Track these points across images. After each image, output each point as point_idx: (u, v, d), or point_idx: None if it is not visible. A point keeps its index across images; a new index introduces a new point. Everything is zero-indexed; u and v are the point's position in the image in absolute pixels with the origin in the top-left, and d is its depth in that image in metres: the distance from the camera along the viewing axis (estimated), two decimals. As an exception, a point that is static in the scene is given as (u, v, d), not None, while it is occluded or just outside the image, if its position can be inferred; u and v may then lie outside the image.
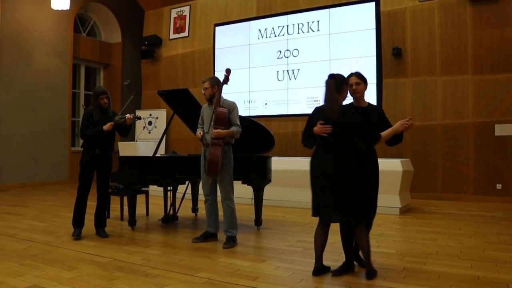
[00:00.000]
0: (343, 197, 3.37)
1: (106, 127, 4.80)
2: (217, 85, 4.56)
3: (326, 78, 3.54)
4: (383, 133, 3.53)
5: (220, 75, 5.23)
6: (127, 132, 5.10)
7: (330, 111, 3.44)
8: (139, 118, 5.46)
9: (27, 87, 9.96)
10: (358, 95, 3.66)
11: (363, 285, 3.29)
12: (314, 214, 3.55)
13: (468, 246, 4.49)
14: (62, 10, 10.17)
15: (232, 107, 4.57)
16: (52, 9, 10.06)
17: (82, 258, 4.04)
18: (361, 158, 3.47)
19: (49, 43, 10.44)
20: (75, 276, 3.49)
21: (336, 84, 3.48)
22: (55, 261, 3.94)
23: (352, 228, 3.51)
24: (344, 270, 3.55)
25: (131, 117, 4.98)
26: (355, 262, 3.70)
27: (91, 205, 5.06)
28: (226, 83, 4.52)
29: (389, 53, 8.48)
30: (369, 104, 3.71)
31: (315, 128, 3.45)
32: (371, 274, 3.42)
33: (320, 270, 3.52)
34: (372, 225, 3.68)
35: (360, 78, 3.71)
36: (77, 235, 4.82)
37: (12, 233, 5.11)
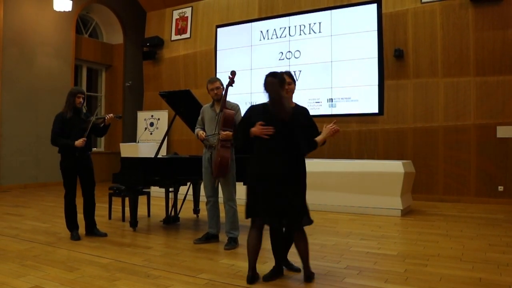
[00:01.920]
0: (286, 201, 3.23)
1: (79, 143, 4.74)
2: (223, 85, 4.61)
3: (265, 77, 3.36)
4: (317, 139, 3.44)
5: (222, 76, 5.24)
6: (104, 133, 5.09)
7: (281, 111, 3.25)
8: (120, 117, 5.45)
9: (29, 88, 9.98)
10: (291, 95, 3.56)
11: (363, 287, 3.29)
12: (248, 216, 3.41)
13: (469, 248, 4.48)
14: (64, 11, 10.21)
15: (236, 109, 4.59)
16: (54, 11, 10.09)
17: (84, 259, 4.05)
18: (300, 161, 3.38)
19: (51, 44, 10.47)
20: (76, 277, 3.49)
21: (280, 83, 3.32)
22: (56, 262, 3.94)
23: (281, 232, 3.46)
24: (274, 274, 3.45)
25: (111, 116, 4.97)
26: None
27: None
28: (232, 85, 4.53)
29: (391, 55, 8.47)
30: (296, 105, 3.56)
31: (254, 129, 3.29)
32: (310, 277, 3.38)
33: (255, 277, 3.37)
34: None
35: (291, 78, 3.62)
36: (76, 237, 4.85)
37: (14, 233, 5.12)
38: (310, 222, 3.37)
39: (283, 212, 3.25)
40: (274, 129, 3.24)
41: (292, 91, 3.57)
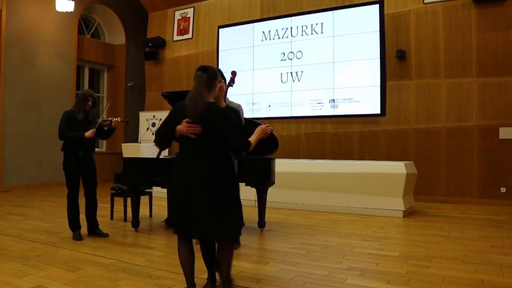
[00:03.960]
0: (202, 210, 2.84)
1: (88, 133, 4.76)
2: (224, 78, 4.53)
3: (197, 70, 3.05)
4: (250, 139, 3.08)
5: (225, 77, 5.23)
6: (109, 135, 5.10)
7: (192, 110, 2.90)
8: (127, 122, 5.45)
9: (31, 89, 10.00)
10: (221, 94, 3.43)
11: (367, 288, 3.29)
12: (175, 228, 2.99)
13: (472, 250, 4.47)
14: (66, 12, 10.22)
15: (238, 109, 4.56)
16: (57, 11, 10.11)
17: (86, 259, 4.05)
18: (225, 165, 2.98)
19: (53, 44, 10.48)
20: (79, 277, 3.49)
21: (208, 79, 2.97)
22: (59, 262, 3.95)
23: (209, 242, 3.11)
24: (211, 284, 3.18)
25: (118, 120, 4.97)
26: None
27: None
28: (232, 85, 4.51)
29: (393, 56, 8.47)
30: (227, 105, 3.40)
31: (180, 127, 2.90)
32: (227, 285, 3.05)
33: None
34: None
35: (221, 76, 3.48)
36: (78, 236, 4.87)
37: (17, 233, 5.13)
38: (233, 240, 3.03)
39: (199, 223, 2.85)
40: (201, 128, 2.88)
41: (222, 89, 3.41)
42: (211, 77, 3.00)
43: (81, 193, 4.99)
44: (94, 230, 5.05)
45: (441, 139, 8.08)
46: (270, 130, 3.22)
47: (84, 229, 5.04)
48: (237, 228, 2.96)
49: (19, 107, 9.74)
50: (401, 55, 8.33)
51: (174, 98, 5.67)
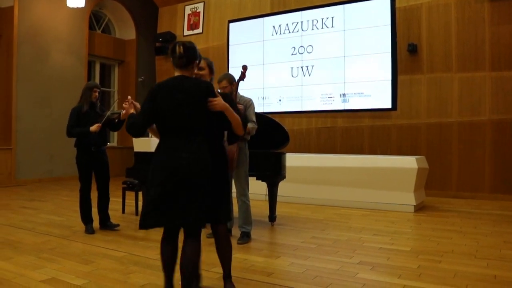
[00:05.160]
0: (199, 199, 2.63)
1: (94, 128, 4.78)
2: (234, 81, 4.50)
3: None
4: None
5: (234, 71, 5.24)
6: (119, 127, 5.09)
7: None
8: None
9: (43, 84, 10.08)
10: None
11: (376, 282, 3.28)
12: (151, 224, 2.66)
13: (484, 245, 4.44)
14: (77, 7, 10.27)
15: (249, 103, 4.56)
16: (68, 7, 10.15)
17: (99, 252, 4.09)
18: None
19: (65, 40, 10.55)
20: (91, 269, 3.53)
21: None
22: (72, 255, 4.00)
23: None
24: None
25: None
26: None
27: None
28: (243, 80, 4.50)
29: (405, 50, 8.40)
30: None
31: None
32: None
33: None
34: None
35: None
36: (90, 230, 4.92)
37: (30, 227, 5.20)
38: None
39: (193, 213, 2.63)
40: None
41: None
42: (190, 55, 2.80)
43: (94, 187, 5.04)
44: (106, 223, 5.10)
45: (453, 134, 8.00)
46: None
47: (96, 223, 5.09)
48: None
49: (32, 103, 9.83)
50: (413, 49, 8.26)
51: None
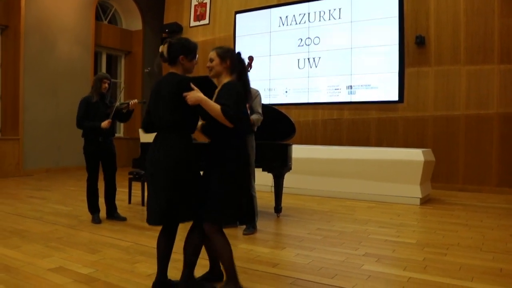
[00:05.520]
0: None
1: (105, 124, 4.80)
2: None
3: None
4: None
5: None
6: (128, 118, 5.13)
7: None
8: (144, 102, 5.51)
9: (50, 75, 10.11)
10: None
11: (381, 274, 3.29)
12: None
13: (490, 238, 4.43)
14: (84, -3, 10.27)
15: (255, 94, 4.55)
16: (75, -3, 10.17)
17: (105, 242, 4.13)
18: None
19: (71, 31, 10.56)
20: (98, 259, 3.57)
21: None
22: (79, 244, 4.03)
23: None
24: (210, 278, 3.06)
25: (135, 102, 5.00)
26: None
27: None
28: (249, 71, 4.50)
29: (412, 42, 8.33)
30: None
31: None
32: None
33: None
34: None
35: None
36: (97, 220, 4.96)
37: (38, 216, 5.25)
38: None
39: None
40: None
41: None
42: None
43: (101, 177, 5.07)
44: (113, 214, 5.14)
45: (460, 127, 7.96)
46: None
47: (103, 213, 5.13)
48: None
49: (39, 93, 9.87)
50: (421, 41, 8.19)
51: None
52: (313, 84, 9.49)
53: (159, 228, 2.84)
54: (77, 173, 9.75)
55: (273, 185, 5.40)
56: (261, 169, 5.21)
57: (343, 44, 9.12)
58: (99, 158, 4.99)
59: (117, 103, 4.95)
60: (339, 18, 9.22)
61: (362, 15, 8.94)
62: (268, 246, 4.09)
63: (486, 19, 7.73)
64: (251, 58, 4.51)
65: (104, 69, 11.90)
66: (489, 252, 3.90)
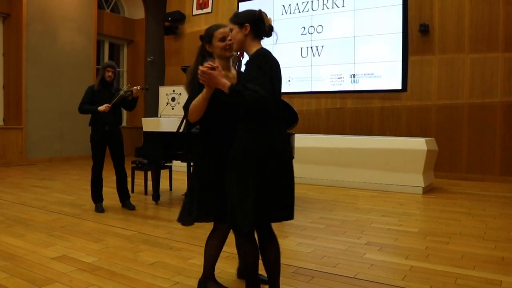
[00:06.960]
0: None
1: (102, 108, 4.80)
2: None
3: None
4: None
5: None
6: (133, 106, 5.13)
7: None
8: (146, 89, 5.51)
9: (53, 64, 10.10)
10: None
11: (384, 263, 3.30)
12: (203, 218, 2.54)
13: (492, 227, 4.43)
14: (86, -14, 10.22)
15: None
16: (77, -15, 10.11)
17: (108, 230, 4.15)
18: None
19: (74, 19, 10.52)
20: (101, 247, 3.59)
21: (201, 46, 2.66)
22: (82, 233, 4.05)
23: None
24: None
25: (138, 88, 5.01)
26: None
27: (112, 179, 5.18)
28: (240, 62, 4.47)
29: (416, 30, 8.26)
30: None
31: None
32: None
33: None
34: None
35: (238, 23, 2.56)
36: (100, 209, 4.98)
37: (41, 205, 5.28)
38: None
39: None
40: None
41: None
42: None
43: (106, 167, 5.08)
44: (125, 201, 5.16)
45: (463, 116, 7.92)
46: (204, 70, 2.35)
47: (106, 202, 5.15)
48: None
49: (42, 82, 9.87)
50: (424, 29, 8.12)
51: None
52: (316, 73, 9.44)
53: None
54: (80, 162, 9.78)
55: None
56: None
57: (346, 32, 9.05)
58: (105, 147, 5.00)
59: (122, 91, 4.96)
60: (343, 6, 9.14)
61: (365, 3, 8.85)
62: (271, 235, 4.09)
63: (490, 7, 7.65)
64: (241, 54, 4.43)
65: (106, 58, 11.87)
66: (492, 241, 3.90)
